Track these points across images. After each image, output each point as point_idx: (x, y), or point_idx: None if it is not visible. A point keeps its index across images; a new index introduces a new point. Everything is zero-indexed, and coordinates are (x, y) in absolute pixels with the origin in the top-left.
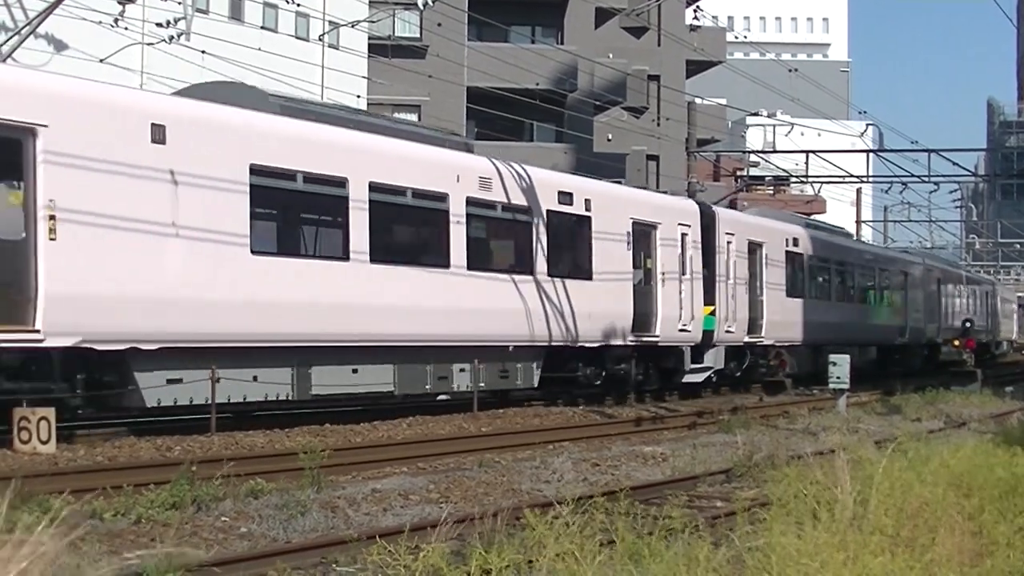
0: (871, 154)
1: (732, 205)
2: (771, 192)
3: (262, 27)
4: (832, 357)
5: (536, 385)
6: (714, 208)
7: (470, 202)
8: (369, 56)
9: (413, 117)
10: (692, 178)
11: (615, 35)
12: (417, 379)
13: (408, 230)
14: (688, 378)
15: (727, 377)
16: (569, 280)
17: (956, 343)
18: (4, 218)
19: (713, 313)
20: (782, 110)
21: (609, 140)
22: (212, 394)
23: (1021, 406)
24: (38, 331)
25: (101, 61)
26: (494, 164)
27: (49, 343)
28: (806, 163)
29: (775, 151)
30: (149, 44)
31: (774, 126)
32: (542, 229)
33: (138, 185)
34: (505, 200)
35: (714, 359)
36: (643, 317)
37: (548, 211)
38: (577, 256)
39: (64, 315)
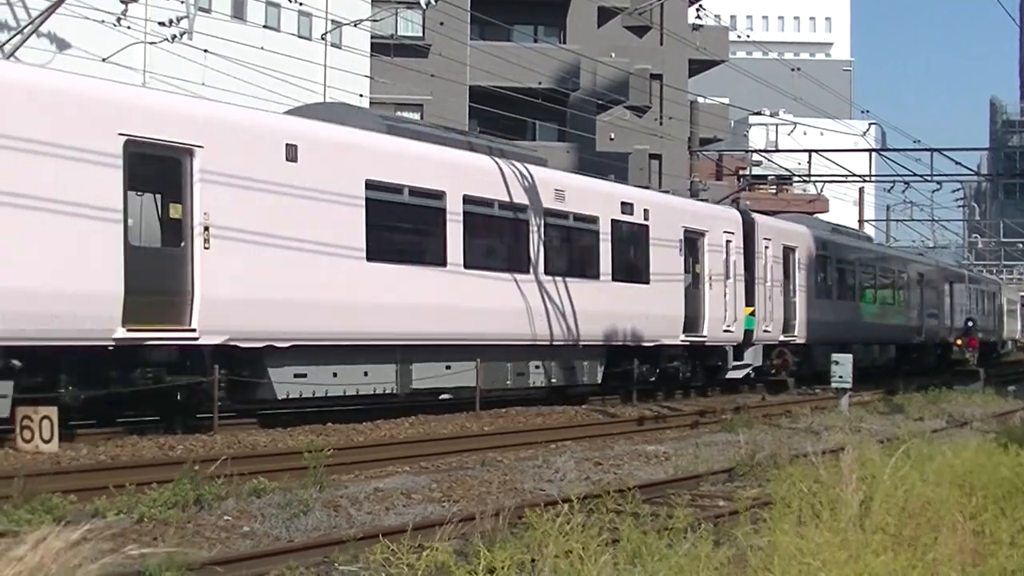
0: (873, 153)
1: (735, 204)
2: (773, 191)
3: (264, 26)
4: (835, 356)
5: (600, 381)
6: (753, 215)
7: (547, 213)
8: (372, 55)
9: (415, 116)
10: (695, 177)
11: (618, 34)
12: (499, 375)
13: (495, 239)
14: (731, 375)
15: (762, 373)
16: (629, 284)
17: (959, 342)
18: (168, 229)
19: (753, 314)
20: (784, 109)
21: (612, 139)
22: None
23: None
24: (194, 330)
25: (103, 60)
26: (567, 177)
27: (203, 341)
28: (808, 162)
29: (777, 150)
30: (151, 43)
31: (776, 125)
32: (606, 237)
33: (275, 200)
34: (576, 211)
35: (753, 357)
36: (692, 318)
37: (612, 220)
38: (636, 262)
39: (215, 316)
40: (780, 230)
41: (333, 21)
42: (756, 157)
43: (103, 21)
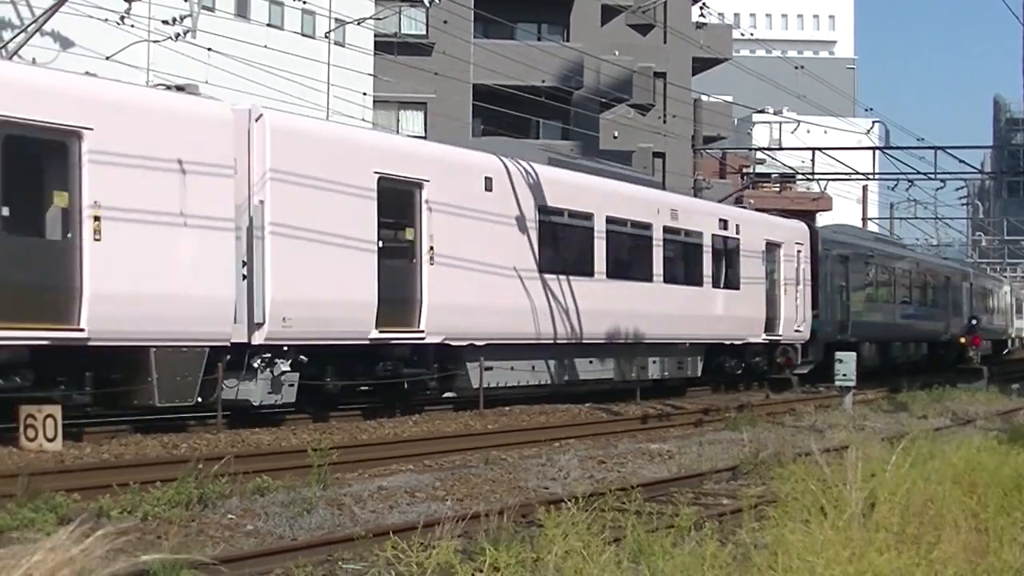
0: (877, 151)
1: (738, 202)
2: (777, 190)
3: (268, 24)
4: (838, 355)
5: (700, 374)
6: (816, 227)
7: (665, 229)
8: (375, 53)
9: (419, 115)
10: (698, 175)
11: (621, 32)
12: (628, 369)
13: (627, 252)
14: (798, 370)
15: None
16: (725, 290)
17: (963, 340)
18: (403, 249)
19: (817, 316)
20: (788, 107)
21: (615, 137)
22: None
23: None
24: (422, 331)
25: (107, 58)
26: (680, 198)
27: (428, 340)
28: (812, 160)
29: (781, 148)
30: (155, 41)
31: (780, 123)
32: (708, 249)
33: (478, 225)
34: (686, 227)
35: (815, 354)
36: (771, 319)
37: (712, 235)
38: (731, 270)
39: (436, 320)
40: (836, 241)
41: (337, 19)
42: (760, 155)
43: (107, 19)
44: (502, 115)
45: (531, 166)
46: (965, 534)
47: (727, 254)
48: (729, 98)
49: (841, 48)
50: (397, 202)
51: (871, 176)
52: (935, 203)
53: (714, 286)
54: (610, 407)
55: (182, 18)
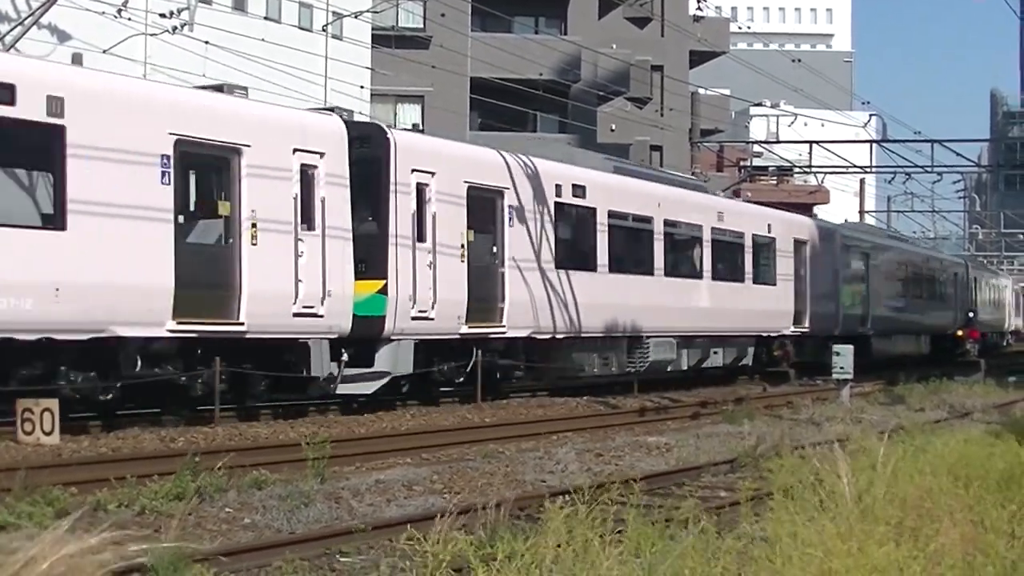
0: (874, 144)
1: (736, 195)
2: (774, 183)
3: (265, 17)
4: (836, 347)
5: (751, 363)
6: (841, 227)
7: (713, 231)
8: (373, 47)
9: (416, 108)
10: (696, 168)
11: (619, 25)
12: (694, 357)
13: (683, 252)
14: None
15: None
16: (763, 286)
17: (960, 333)
18: (490, 255)
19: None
20: (785, 100)
21: (613, 131)
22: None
23: None
24: (504, 327)
25: (104, 52)
26: (724, 201)
27: (510, 334)
28: (809, 153)
29: (778, 141)
30: (152, 35)
31: (777, 116)
32: (749, 248)
33: (550, 227)
34: (731, 228)
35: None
36: (799, 313)
37: (753, 235)
38: (767, 267)
39: (519, 317)
40: (856, 238)
41: (334, 12)
42: (757, 148)
43: (104, 13)
44: (499, 108)
45: (601, 174)
46: (961, 526)
47: (764, 252)
48: (726, 91)
49: (838, 41)
50: (485, 212)
51: (868, 169)
52: (932, 196)
53: (754, 282)
54: (607, 400)
55: (179, 11)
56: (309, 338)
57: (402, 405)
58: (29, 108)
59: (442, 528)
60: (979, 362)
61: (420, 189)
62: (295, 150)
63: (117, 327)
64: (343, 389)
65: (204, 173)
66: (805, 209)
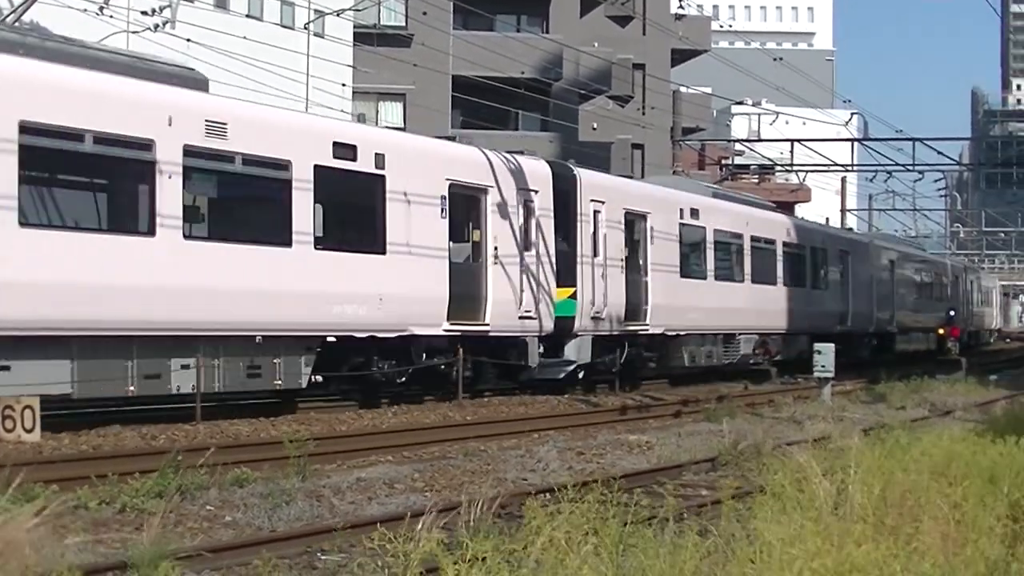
0: (856, 143)
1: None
2: (756, 181)
3: (247, 15)
4: (817, 346)
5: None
6: (873, 238)
7: (784, 245)
8: (354, 44)
9: (398, 106)
10: (677, 167)
11: (600, 24)
12: (731, 353)
13: (761, 263)
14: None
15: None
16: (820, 291)
17: (941, 331)
18: (638, 267)
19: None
20: (767, 99)
21: (594, 129)
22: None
23: (1005, 394)
24: (648, 324)
25: None
26: (791, 219)
27: (651, 331)
28: (791, 152)
29: (760, 140)
30: (134, 32)
31: (759, 115)
32: (808, 258)
33: (676, 244)
34: (796, 241)
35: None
36: (843, 314)
37: (811, 247)
38: (824, 275)
39: (658, 317)
40: (883, 247)
41: (316, 10)
42: (739, 146)
43: (86, 10)
44: (481, 107)
45: (711, 200)
46: (943, 525)
47: (821, 262)
48: (708, 90)
49: (820, 40)
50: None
51: (850, 167)
52: (913, 194)
53: (812, 288)
54: (589, 398)
55: (161, 8)
56: (527, 335)
57: (385, 403)
58: (365, 162)
59: (421, 527)
60: (960, 360)
61: (595, 215)
62: (519, 189)
63: (413, 327)
64: (541, 375)
65: (464, 209)
66: (787, 208)
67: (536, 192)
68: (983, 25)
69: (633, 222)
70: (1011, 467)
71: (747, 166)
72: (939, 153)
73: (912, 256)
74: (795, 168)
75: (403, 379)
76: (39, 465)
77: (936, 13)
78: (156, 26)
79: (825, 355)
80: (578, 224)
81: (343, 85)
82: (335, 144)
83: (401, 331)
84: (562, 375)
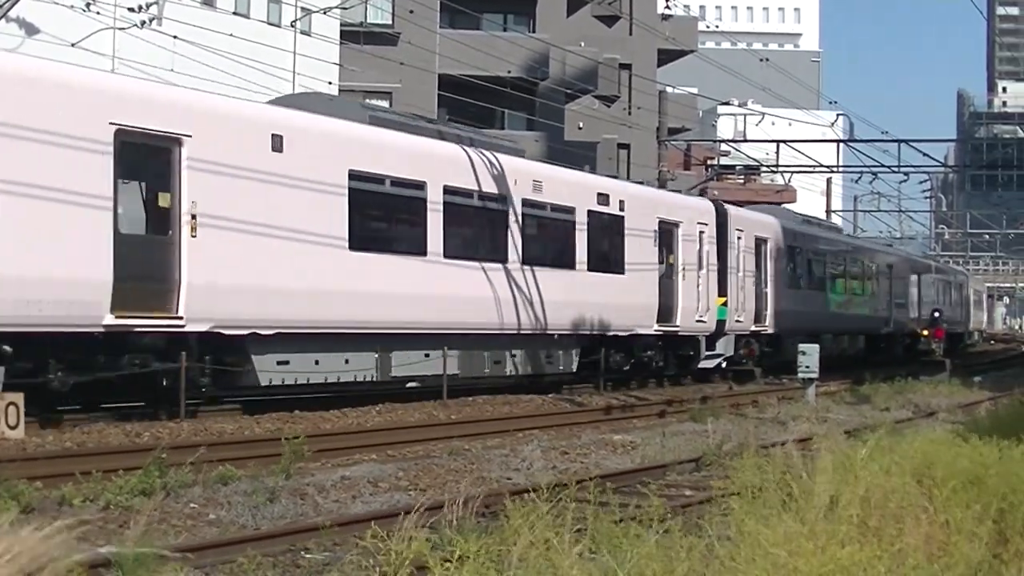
0: (841, 144)
1: (702, 194)
2: (741, 182)
3: (234, 13)
4: (801, 347)
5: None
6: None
7: (856, 261)
8: (341, 43)
9: (384, 104)
10: (663, 167)
11: (587, 23)
12: (838, 347)
13: (842, 275)
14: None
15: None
16: (867, 297)
17: (925, 332)
18: (760, 280)
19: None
20: (753, 100)
21: (580, 128)
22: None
23: (989, 396)
24: (767, 326)
25: (72, 45)
26: (853, 238)
27: (770, 331)
28: (777, 153)
29: (746, 140)
30: (121, 29)
31: (745, 116)
32: (875, 272)
33: (785, 260)
34: (863, 259)
35: (900, 339)
36: (888, 318)
37: (887, 264)
38: (875, 284)
39: (772, 320)
40: (912, 259)
41: (302, 8)
42: (724, 147)
43: (72, 7)
44: (467, 105)
45: (749, 212)
46: (926, 527)
47: (871, 273)
48: (694, 90)
49: (806, 41)
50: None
51: (835, 169)
52: (899, 196)
53: (871, 296)
54: (573, 398)
55: (148, 5)
56: (700, 334)
57: (370, 402)
58: (614, 207)
59: (407, 525)
60: (944, 361)
61: (738, 240)
62: (696, 222)
63: (637, 328)
64: (702, 365)
65: (664, 238)
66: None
67: (706, 224)
68: (969, 27)
69: (759, 245)
70: (994, 469)
71: (733, 167)
72: (924, 155)
73: (933, 269)
74: (781, 169)
75: (627, 367)
76: (22, 462)
77: (922, 15)
78: (142, 23)
79: (809, 356)
80: (728, 249)
81: (329, 83)
82: (598, 194)
83: (629, 331)
84: (713, 364)
